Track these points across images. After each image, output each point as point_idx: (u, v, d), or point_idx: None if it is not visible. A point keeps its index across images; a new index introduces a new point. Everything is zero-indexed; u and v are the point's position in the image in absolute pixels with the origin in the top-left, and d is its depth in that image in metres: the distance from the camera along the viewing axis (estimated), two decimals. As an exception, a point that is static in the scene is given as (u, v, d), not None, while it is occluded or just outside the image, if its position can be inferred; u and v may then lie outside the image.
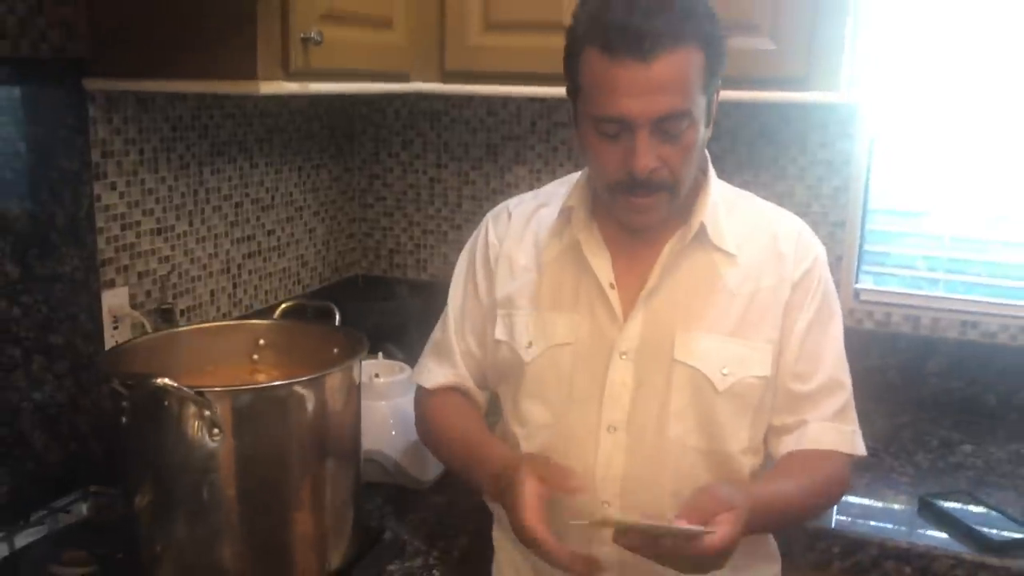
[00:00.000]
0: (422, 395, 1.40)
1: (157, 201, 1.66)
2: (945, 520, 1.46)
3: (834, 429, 1.24)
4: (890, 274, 2.03)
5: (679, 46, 1.08)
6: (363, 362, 1.59)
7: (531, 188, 2.11)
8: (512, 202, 1.40)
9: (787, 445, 1.24)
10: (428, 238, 2.29)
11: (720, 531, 1.01)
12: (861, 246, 2.00)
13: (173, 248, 1.72)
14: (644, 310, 1.22)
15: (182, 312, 1.75)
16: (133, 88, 1.50)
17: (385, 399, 1.55)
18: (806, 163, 1.96)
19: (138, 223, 1.62)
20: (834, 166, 1.94)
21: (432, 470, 1.53)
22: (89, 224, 1.51)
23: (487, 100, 2.15)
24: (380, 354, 1.66)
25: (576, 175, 1.33)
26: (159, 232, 1.67)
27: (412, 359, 1.40)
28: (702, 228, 1.22)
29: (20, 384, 1.42)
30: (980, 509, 1.49)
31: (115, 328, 1.57)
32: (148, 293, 1.66)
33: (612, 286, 1.23)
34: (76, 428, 1.51)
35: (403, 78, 1.71)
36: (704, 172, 1.27)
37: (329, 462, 1.21)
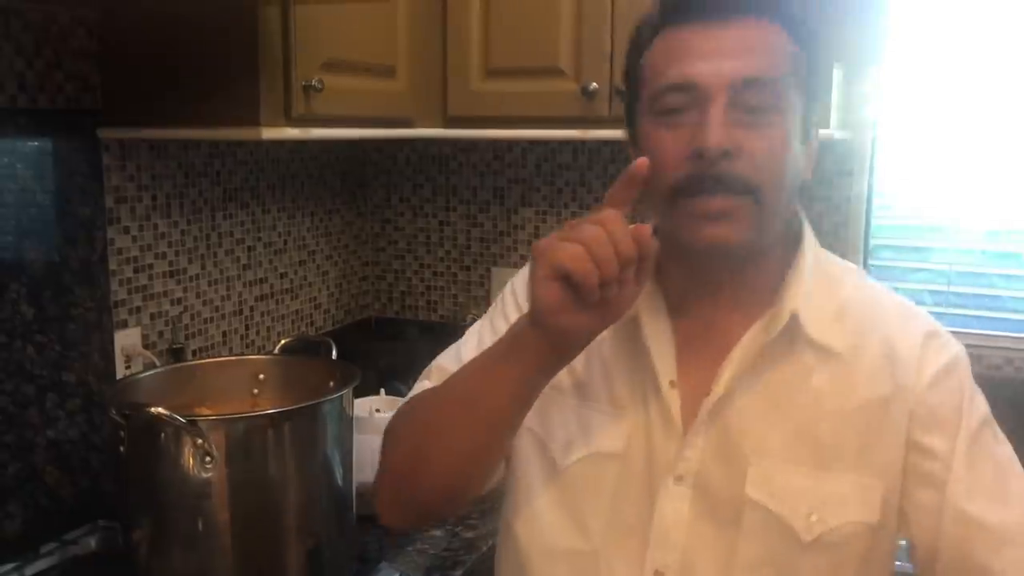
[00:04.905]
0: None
1: (170, 245, 1.73)
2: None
3: None
4: (897, 310, 2.03)
5: (763, 17, 0.91)
6: (365, 398, 1.64)
7: (537, 230, 2.19)
8: None
9: None
10: (438, 280, 2.33)
11: None
12: (864, 281, 2.01)
13: (186, 290, 1.78)
14: (710, 423, 0.95)
15: (194, 352, 1.80)
16: (144, 136, 1.58)
17: (385, 434, 1.58)
18: (805, 200, 1.97)
19: (151, 266, 1.68)
20: (833, 202, 1.97)
21: (432, 504, 1.56)
22: (102, 267, 1.58)
23: (493, 145, 2.21)
24: (382, 390, 1.70)
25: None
26: (172, 275, 1.74)
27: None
28: (794, 318, 0.94)
29: (34, 421, 1.47)
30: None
31: (127, 367, 1.62)
32: (160, 334, 1.72)
33: (673, 384, 0.96)
34: (88, 464, 1.56)
35: (406, 124, 1.77)
36: (797, 239, 0.99)
37: (322, 491, 1.24)
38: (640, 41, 0.96)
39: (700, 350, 0.97)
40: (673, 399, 0.96)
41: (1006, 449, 0.97)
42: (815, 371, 0.94)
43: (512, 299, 1.09)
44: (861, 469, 0.93)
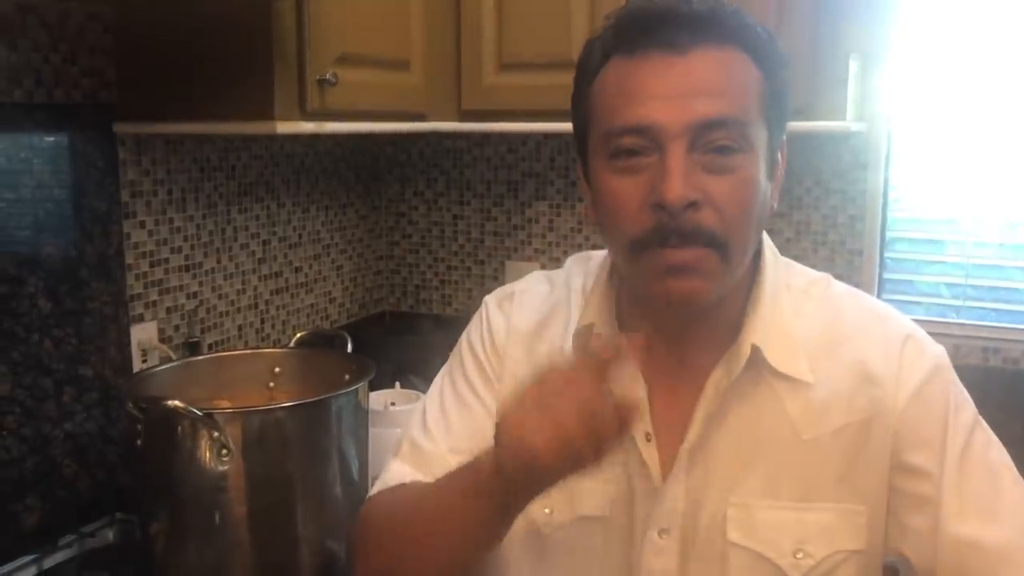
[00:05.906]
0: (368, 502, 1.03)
1: (185, 239, 1.73)
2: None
3: None
4: (915, 302, 2.02)
5: (726, 45, 0.84)
6: (380, 391, 1.65)
7: (551, 223, 2.19)
8: (518, 288, 1.07)
9: None
10: (452, 274, 2.34)
11: None
12: (881, 274, 2.00)
13: (201, 284, 1.78)
14: (688, 470, 0.91)
15: (210, 346, 1.81)
16: (159, 131, 1.59)
17: (400, 427, 1.58)
18: (821, 192, 1.98)
19: (166, 260, 1.69)
20: (849, 195, 1.96)
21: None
22: (118, 261, 1.58)
23: (507, 138, 2.21)
24: (397, 383, 1.70)
25: (596, 260, 1.03)
26: (187, 269, 1.74)
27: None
28: (756, 351, 0.90)
29: (51, 414, 1.48)
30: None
31: (144, 361, 1.63)
32: (176, 327, 1.72)
33: (649, 437, 0.92)
34: (104, 457, 1.57)
35: (420, 118, 1.77)
36: (758, 264, 0.93)
37: (337, 483, 1.25)
38: (590, 64, 0.89)
39: (672, 396, 0.93)
40: (651, 452, 0.92)
41: (996, 452, 0.93)
42: (787, 402, 0.90)
43: (470, 355, 1.05)
44: (844, 496, 0.90)
